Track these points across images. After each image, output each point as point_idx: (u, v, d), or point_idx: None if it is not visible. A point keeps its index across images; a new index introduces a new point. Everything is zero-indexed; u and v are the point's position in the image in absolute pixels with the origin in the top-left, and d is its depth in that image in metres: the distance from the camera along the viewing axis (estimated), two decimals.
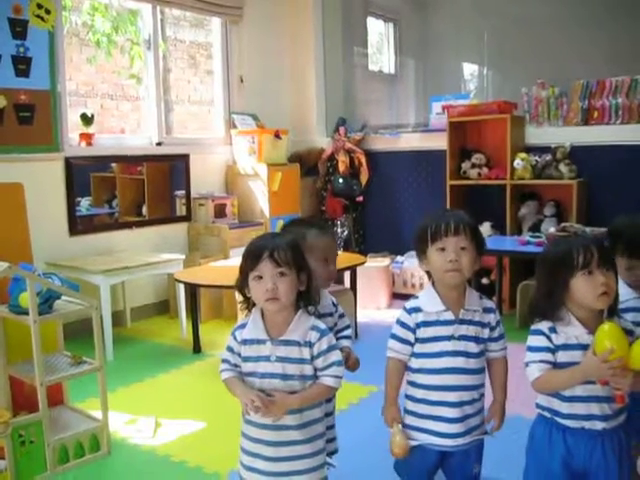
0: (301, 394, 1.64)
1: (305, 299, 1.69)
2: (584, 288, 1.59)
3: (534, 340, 1.66)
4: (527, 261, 4.61)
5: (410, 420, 1.82)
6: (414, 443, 1.79)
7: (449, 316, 1.75)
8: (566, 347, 1.63)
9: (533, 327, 1.68)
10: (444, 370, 1.74)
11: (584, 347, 1.60)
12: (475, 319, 1.77)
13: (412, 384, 1.81)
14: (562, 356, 1.63)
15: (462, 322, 1.75)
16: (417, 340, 1.76)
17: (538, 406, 1.72)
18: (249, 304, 1.71)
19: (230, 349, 1.72)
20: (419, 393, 1.79)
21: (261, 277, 1.62)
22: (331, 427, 1.97)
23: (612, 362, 1.51)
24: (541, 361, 1.63)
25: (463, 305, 1.76)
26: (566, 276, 1.61)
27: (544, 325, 1.66)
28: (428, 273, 1.81)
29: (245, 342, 1.69)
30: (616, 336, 1.54)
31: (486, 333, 1.78)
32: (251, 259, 1.64)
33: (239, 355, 1.70)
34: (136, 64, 5.25)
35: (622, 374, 1.53)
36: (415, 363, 1.79)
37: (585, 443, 1.63)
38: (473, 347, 1.75)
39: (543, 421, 1.71)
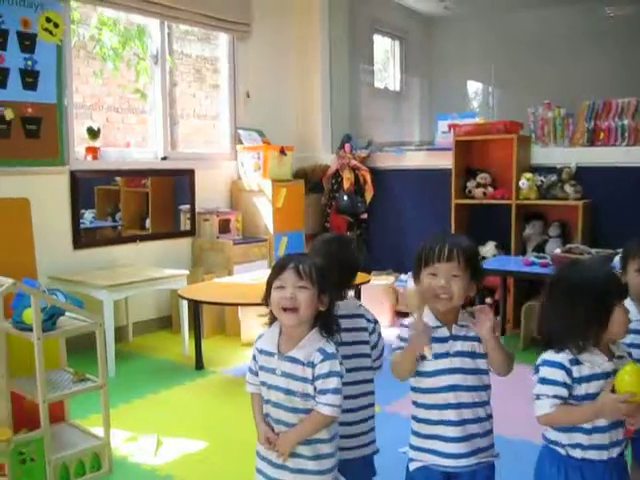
0: (297, 429, 1.66)
1: (324, 320, 1.70)
2: (622, 319, 1.59)
3: (550, 373, 1.60)
4: (531, 281, 4.59)
5: (415, 441, 1.79)
6: (418, 464, 1.77)
7: (443, 333, 1.72)
8: (591, 378, 1.59)
9: (548, 358, 1.62)
10: (443, 388, 1.71)
11: (607, 375, 1.59)
12: (470, 334, 1.73)
13: (414, 403, 1.80)
14: (587, 387, 1.59)
15: (456, 338, 1.72)
16: None
17: (546, 439, 1.69)
18: (271, 318, 1.76)
19: (254, 357, 1.77)
20: (420, 413, 1.76)
21: (283, 287, 1.66)
22: (371, 430, 2.00)
23: (631, 405, 1.52)
24: (555, 396, 1.59)
25: (456, 322, 1.74)
26: (610, 305, 1.58)
27: (564, 357, 1.60)
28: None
29: (261, 352, 1.74)
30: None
31: (482, 348, 1.72)
32: (276, 270, 1.70)
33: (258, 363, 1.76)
34: (142, 79, 5.25)
35: (638, 411, 1.55)
36: (414, 382, 1.77)
37: (601, 473, 1.62)
38: (469, 363, 1.72)
39: (554, 456, 1.66)
